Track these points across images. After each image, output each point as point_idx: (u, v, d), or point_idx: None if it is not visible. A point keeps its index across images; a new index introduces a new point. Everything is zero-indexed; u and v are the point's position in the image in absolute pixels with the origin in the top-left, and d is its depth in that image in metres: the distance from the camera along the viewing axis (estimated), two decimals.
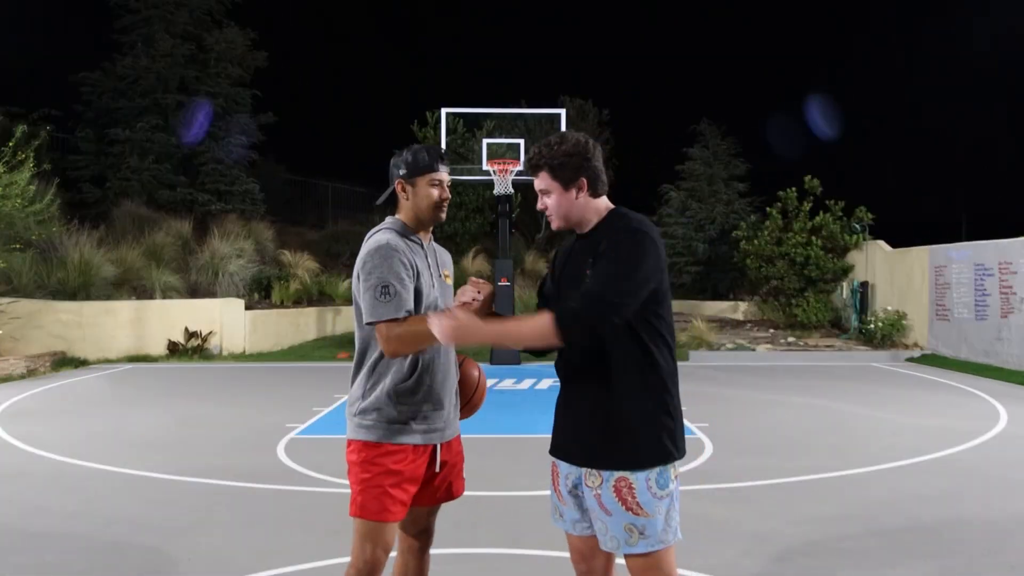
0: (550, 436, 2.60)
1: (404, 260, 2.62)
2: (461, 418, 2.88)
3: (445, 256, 2.98)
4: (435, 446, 2.70)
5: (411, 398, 2.63)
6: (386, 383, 2.63)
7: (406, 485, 2.60)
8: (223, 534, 4.67)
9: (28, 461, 6.61)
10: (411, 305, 2.59)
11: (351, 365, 2.77)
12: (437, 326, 2.31)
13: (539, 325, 2.29)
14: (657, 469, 2.36)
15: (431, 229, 2.86)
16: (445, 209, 2.80)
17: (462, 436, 2.92)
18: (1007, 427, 8.07)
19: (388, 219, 2.81)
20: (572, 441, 2.47)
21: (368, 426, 2.62)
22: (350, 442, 2.68)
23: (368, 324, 2.57)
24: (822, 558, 4.22)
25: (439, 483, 2.76)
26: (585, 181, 2.49)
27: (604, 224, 2.50)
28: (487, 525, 4.72)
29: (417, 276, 2.67)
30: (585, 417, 2.43)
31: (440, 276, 2.82)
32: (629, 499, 2.33)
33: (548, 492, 2.62)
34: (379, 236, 2.67)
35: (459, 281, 2.80)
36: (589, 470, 2.40)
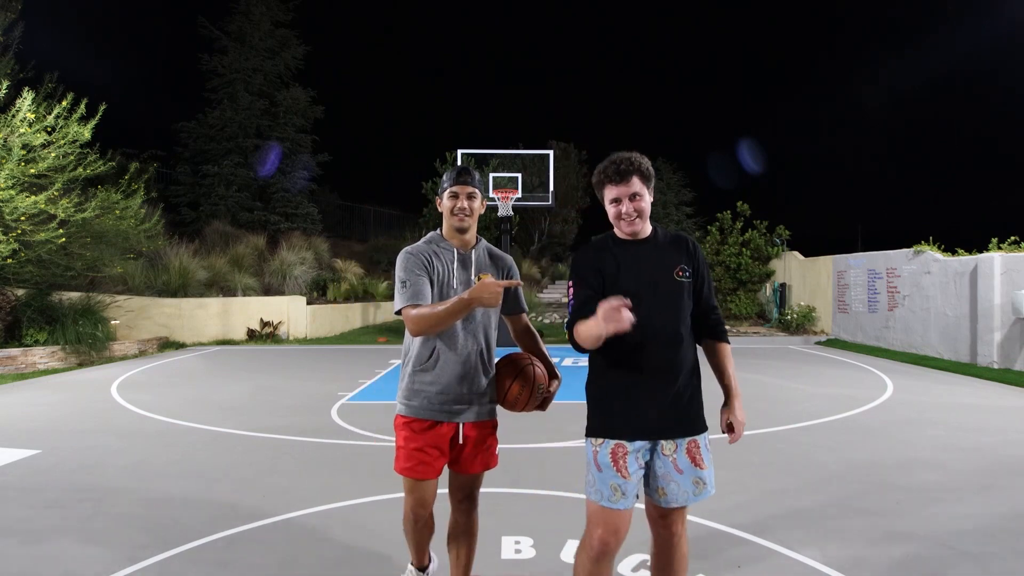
0: (604, 424, 2.23)
1: (418, 260, 2.47)
2: (516, 410, 2.52)
3: (493, 261, 2.63)
4: (458, 424, 2.50)
5: (429, 383, 2.47)
6: (410, 369, 2.52)
7: (430, 450, 2.46)
8: (289, 477, 4.64)
9: (138, 421, 6.59)
10: (427, 291, 2.42)
11: (387, 348, 2.66)
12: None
13: (729, 351, 2.38)
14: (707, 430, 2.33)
15: (466, 235, 2.55)
16: (465, 216, 2.51)
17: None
18: (892, 395, 8.05)
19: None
20: (660, 419, 2.20)
21: (403, 403, 2.52)
22: (396, 416, 2.58)
23: (396, 313, 2.44)
24: (751, 494, 4.21)
25: (469, 456, 2.54)
26: (653, 190, 2.31)
27: (663, 234, 2.33)
28: (524, 471, 4.68)
29: (436, 275, 2.48)
30: (677, 399, 2.22)
31: (476, 279, 2.52)
32: (697, 457, 2.22)
33: (594, 476, 2.21)
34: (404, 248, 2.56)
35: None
36: (667, 441, 2.22)
